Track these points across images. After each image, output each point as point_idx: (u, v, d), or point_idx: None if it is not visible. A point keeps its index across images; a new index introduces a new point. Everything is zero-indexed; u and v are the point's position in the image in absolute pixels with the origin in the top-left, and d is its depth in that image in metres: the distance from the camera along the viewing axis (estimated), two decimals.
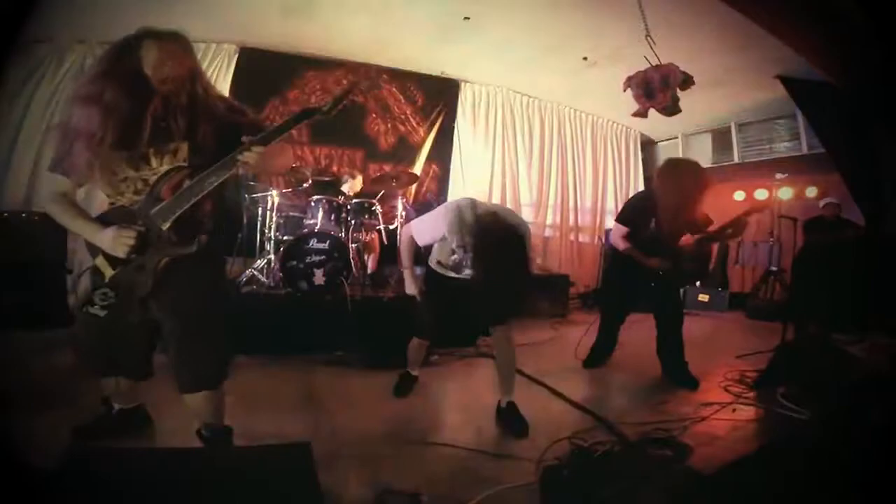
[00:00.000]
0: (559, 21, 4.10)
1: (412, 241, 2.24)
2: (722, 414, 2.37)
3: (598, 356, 3.24)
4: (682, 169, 2.80)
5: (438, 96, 5.77)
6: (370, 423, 2.20)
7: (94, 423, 1.84)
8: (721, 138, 5.97)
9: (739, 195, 6.16)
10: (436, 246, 2.38)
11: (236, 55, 4.88)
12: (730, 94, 4.91)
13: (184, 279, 1.53)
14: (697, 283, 5.98)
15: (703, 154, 6.28)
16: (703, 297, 5.91)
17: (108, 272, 1.53)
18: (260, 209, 4.12)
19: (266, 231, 4.03)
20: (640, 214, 2.91)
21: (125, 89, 1.43)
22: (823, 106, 4.20)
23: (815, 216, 5.23)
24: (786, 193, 5.79)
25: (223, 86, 4.82)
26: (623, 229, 2.95)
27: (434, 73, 5.63)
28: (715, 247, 5.98)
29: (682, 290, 5.57)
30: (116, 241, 1.45)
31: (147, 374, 1.78)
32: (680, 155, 6.57)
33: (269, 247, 3.95)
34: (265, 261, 3.92)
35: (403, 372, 2.68)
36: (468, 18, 4.18)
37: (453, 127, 5.87)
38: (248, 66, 4.90)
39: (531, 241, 2.00)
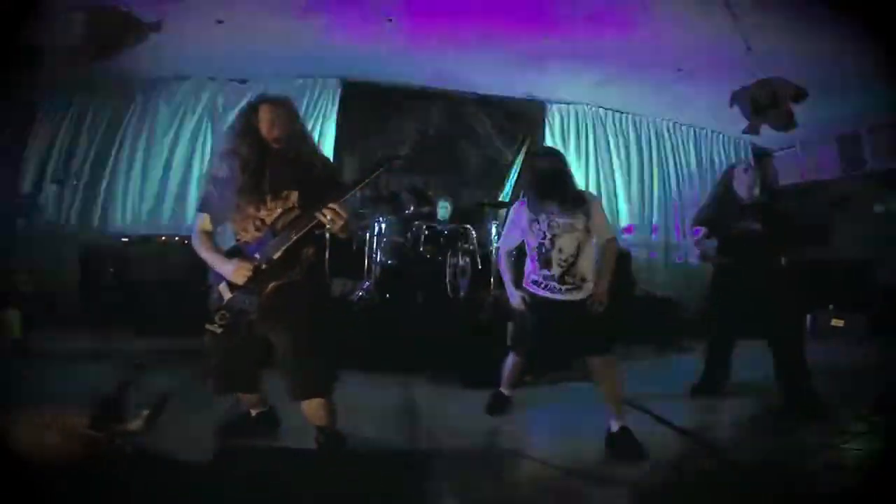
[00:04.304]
0: (646, 34, 3.97)
1: (506, 250, 2.42)
2: (855, 443, 2.17)
3: (709, 385, 3.04)
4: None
5: (525, 119, 5.88)
6: (463, 437, 2.32)
7: (233, 424, 2.19)
8: (849, 145, 5.29)
9: (880, 208, 5.40)
10: (527, 263, 2.43)
11: (339, 88, 5.47)
12: (851, 98, 4.38)
13: (291, 300, 1.78)
14: (830, 307, 5.30)
15: (829, 162, 5.62)
16: (838, 322, 5.19)
17: (227, 296, 1.81)
18: (368, 235, 4.51)
19: (373, 255, 4.41)
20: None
21: (249, 144, 1.82)
22: None
23: None
24: None
25: (331, 119, 5.43)
26: (700, 231, 2.86)
27: (519, 97, 5.74)
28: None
29: (809, 316, 5.01)
30: (237, 272, 1.76)
31: (255, 388, 2.06)
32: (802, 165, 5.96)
33: (376, 269, 4.31)
34: (372, 282, 4.28)
35: (496, 391, 2.71)
36: (547, 38, 4.21)
37: None
38: (352, 99, 5.49)
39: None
